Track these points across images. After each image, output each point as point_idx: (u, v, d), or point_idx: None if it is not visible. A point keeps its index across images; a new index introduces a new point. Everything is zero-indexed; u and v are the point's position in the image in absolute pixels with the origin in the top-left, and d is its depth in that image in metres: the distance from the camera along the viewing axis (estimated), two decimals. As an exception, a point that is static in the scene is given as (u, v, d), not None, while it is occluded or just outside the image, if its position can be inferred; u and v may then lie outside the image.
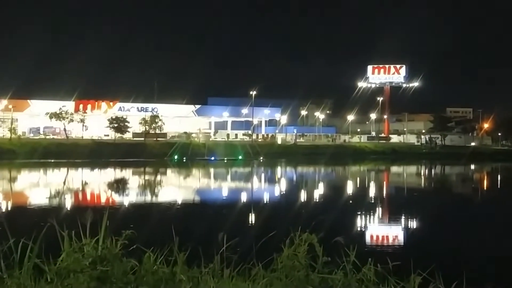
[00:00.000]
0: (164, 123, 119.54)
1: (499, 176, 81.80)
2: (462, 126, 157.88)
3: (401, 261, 5.94)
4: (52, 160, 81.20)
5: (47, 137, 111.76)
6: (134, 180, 62.43)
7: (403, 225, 30.11)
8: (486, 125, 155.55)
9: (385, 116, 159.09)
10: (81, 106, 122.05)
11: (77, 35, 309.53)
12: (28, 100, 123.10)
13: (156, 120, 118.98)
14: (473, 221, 32.91)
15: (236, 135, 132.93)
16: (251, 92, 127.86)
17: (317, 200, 43.63)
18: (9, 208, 34.51)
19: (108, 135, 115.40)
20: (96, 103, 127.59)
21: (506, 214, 36.35)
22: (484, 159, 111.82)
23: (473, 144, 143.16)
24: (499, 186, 64.77)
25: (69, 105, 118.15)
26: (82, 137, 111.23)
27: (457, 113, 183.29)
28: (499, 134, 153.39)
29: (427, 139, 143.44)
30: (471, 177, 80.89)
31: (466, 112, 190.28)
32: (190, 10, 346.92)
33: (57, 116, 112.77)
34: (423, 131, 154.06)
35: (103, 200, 42.41)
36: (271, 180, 67.27)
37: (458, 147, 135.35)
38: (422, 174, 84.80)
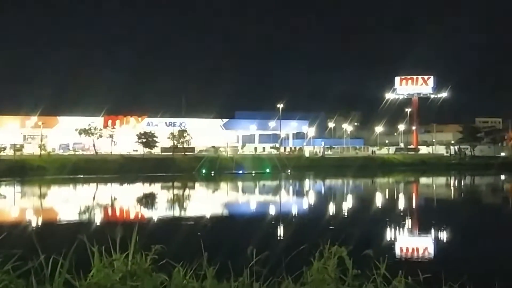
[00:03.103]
0: (192, 138, 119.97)
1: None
2: (492, 136, 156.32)
3: (432, 273, 5.88)
4: (82, 176, 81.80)
5: (77, 153, 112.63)
6: (162, 195, 62.66)
7: (433, 237, 29.86)
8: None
9: (414, 127, 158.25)
10: (109, 122, 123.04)
11: (105, 51, 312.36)
12: (57, 117, 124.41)
13: (184, 135, 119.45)
14: (505, 233, 32.56)
15: (264, 148, 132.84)
16: (278, 105, 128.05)
17: (346, 213, 43.46)
18: (39, 224, 34.79)
19: (136, 150, 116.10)
20: (125, 118, 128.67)
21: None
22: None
23: (503, 154, 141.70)
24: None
25: (98, 121, 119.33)
26: (111, 152, 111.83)
27: (486, 124, 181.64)
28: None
29: (456, 150, 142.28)
30: (502, 188, 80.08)
31: (495, 122, 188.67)
32: (218, 24, 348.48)
33: (86, 132, 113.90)
34: (452, 142, 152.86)
35: (132, 215, 42.63)
36: (300, 193, 67.15)
37: (488, 157, 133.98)
38: (452, 185, 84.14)
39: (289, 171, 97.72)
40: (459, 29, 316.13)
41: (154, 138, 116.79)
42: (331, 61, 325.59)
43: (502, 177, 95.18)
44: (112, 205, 50.01)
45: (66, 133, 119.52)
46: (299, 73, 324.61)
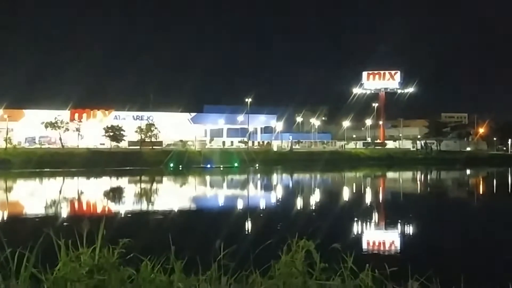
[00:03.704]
0: (159, 131, 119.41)
1: (494, 181, 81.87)
2: (457, 131, 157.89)
3: (398, 267, 5.93)
4: (48, 169, 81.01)
5: (43, 146, 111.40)
6: (130, 189, 62.27)
7: (400, 231, 30.08)
8: (481, 130, 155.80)
9: (381, 122, 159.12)
10: (76, 115, 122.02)
11: (71, 44, 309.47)
12: (23, 110, 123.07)
13: (152, 128, 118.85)
14: (470, 226, 32.91)
15: (232, 142, 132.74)
16: (246, 100, 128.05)
17: (314, 207, 43.60)
18: (5, 218, 34.42)
19: (103, 144, 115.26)
20: (92, 112, 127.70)
21: (501, 218, 36.39)
22: (479, 164, 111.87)
23: (468, 149, 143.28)
24: (494, 191, 64.83)
25: (64, 114, 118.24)
26: (78, 146, 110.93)
27: (452, 119, 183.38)
28: (494, 138, 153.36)
29: (423, 144, 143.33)
30: (466, 182, 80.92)
31: (461, 117, 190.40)
32: (186, 19, 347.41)
33: (52, 125, 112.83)
34: (419, 136, 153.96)
35: (99, 209, 42.34)
36: (267, 187, 67.24)
37: (454, 152, 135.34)
38: (417, 179, 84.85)
39: (257, 165, 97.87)
40: (427, 26, 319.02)
41: (122, 132, 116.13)
42: (298, 56, 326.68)
43: (467, 171, 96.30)
44: (79, 199, 49.62)
45: (32, 126, 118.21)
46: (268, 68, 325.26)
